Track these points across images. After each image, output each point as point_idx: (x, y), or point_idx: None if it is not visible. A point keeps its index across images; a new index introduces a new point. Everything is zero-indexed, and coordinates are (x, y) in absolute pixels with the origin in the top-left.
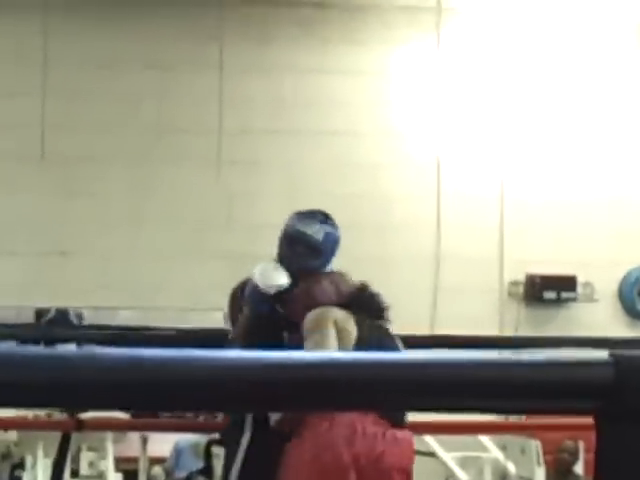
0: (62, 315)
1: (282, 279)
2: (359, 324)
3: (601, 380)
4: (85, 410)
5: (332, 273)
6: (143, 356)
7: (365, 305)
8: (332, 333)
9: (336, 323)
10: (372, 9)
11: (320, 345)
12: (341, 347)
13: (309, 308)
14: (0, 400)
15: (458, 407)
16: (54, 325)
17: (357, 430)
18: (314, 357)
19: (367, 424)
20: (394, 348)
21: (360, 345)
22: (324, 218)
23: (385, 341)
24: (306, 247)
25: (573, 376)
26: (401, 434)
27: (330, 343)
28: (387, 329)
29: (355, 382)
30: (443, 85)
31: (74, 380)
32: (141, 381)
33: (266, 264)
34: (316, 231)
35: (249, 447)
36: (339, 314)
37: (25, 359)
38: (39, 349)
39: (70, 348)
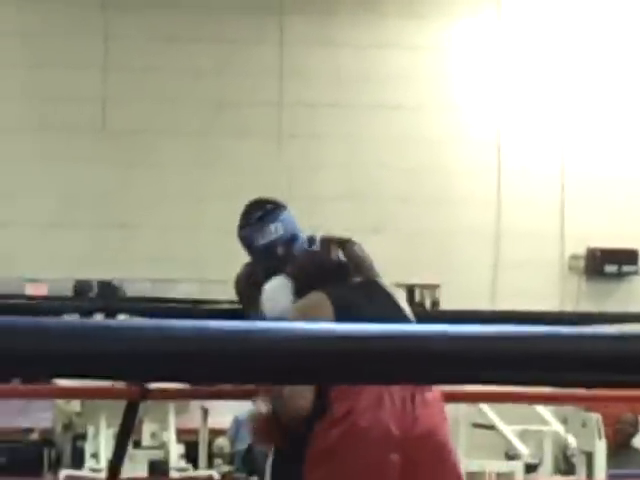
0: (109, 288)
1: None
2: (343, 301)
3: None
4: (150, 381)
5: (307, 254)
6: (207, 327)
7: (342, 280)
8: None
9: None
10: None
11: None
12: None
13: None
14: (68, 372)
15: (529, 381)
16: (102, 298)
17: (384, 398)
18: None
19: (394, 390)
20: (394, 308)
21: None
22: (265, 213)
23: (379, 300)
24: (282, 247)
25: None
26: (430, 395)
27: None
28: (377, 290)
29: (414, 355)
30: (503, 59)
31: (141, 351)
32: (207, 352)
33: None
34: (274, 230)
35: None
36: (311, 306)
37: (89, 330)
38: (101, 321)
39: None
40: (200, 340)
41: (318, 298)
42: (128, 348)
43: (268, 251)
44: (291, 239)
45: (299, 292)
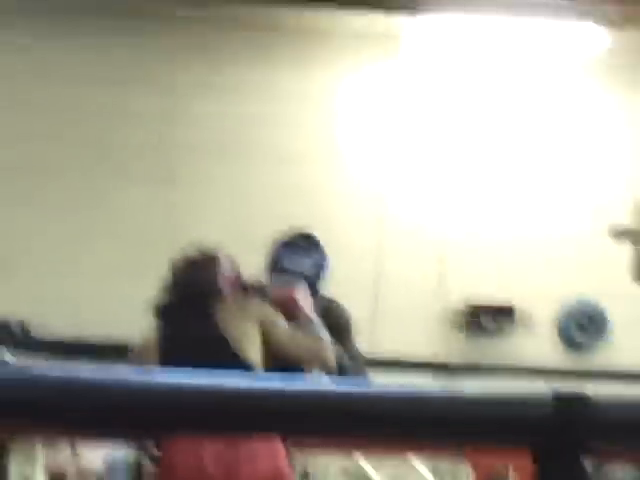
0: (4, 326)
1: None
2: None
3: (541, 417)
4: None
5: None
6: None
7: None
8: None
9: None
10: (320, 35)
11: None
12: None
13: None
14: None
15: (390, 443)
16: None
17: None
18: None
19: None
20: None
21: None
22: (307, 245)
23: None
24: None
25: (512, 412)
26: (263, 445)
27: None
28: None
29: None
30: (391, 110)
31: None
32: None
33: None
34: (306, 265)
35: None
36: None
37: None
38: None
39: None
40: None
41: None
42: None
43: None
44: (315, 281)
45: None
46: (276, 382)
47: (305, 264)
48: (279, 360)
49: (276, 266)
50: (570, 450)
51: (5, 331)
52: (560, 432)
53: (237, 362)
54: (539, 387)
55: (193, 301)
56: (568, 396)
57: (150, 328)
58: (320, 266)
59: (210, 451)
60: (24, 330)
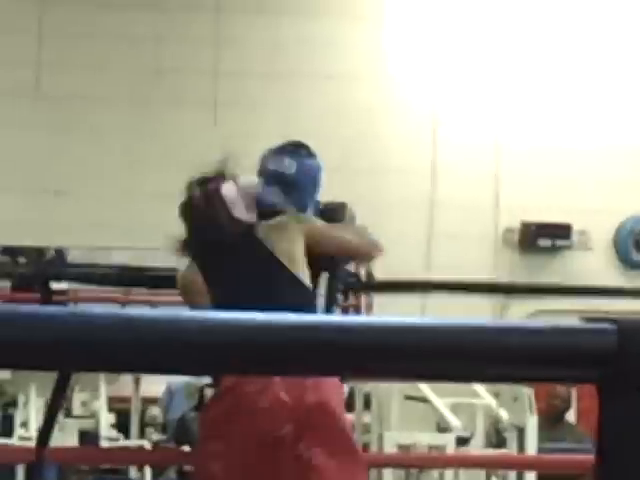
0: (60, 255)
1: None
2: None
3: (603, 348)
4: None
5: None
6: (133, 316)
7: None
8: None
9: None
10: None
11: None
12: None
13: None
14: None
15: (452, 375)
16: (52, 265)
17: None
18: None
19: None
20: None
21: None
22: (294, 149)
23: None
24: (281, 184)
25: (574, 343)
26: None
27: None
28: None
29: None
30: (441, 30)
31: (65, 339)
32: (132, 342)
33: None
34: (287, 165)
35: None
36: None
37: (13, 316)
38: (26, 307)
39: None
40: (125, 329)
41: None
42: (51, 336)
43: (270, 179)
44: (296, 185)
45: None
46: (334, 317)
47: (290, 166)
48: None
49: (262, 170)
50: (634, 382)
51: (59, 260)
52: (625, 363)
53: (295, 282)
54: (602, 317)
55: (220, 241)
56: (630, 325)
57: (188, 266)
58: (308, 169)
59: (280, 381)
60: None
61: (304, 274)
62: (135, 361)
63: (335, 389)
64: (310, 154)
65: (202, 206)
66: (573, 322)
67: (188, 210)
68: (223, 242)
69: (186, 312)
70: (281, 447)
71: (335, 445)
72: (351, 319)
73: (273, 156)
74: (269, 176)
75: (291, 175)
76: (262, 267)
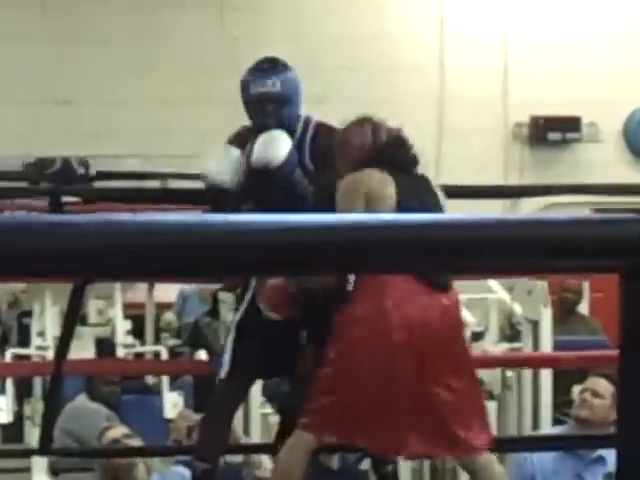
0: (67, 165)
1: (281, 151)
2: (398, 183)
3: (628, 238)
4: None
5: (365, 120)
6: (158, 221)
7: (400, 160)
8: (360, 211)
9: (369, 194)
10: None
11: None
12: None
13: (347, 166)
14: (8, 269)
15: (482, 268)
16: (59, 176)
17: (406, 296)
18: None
19: (414, 289)
20: (436, 205)
21: (401, 207)
22: (270, 66)
23: (426, 198)
24: (272, 104)
25: (599, 233)
26: (447, 300)
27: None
28: (428, 182)
29: (376, 244)
30: None
31: (86, 247)
32: (157, 247)
33: (270, 134)
34: (271, 84)
35: (241, 321)
36: (374, 181)
37: (28, 225)
38: (41, 216)
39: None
40: (148, 234)
41: (381, 176)
42: (71, 243)
43: (259, 103)
44: (285, 101)
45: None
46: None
47: (274, 84)
48: None
49: (246, 97)
50: None
51: (68, 170)
52: None
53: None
54: (624, 210)
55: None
56: None
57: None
58: (289, 85)
59: (412, 312)
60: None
61: None
62: (152, 266)
63: (459, 321)
64: (287, 67)
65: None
66: (599, 215)
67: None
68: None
69: (206, 215)
70: (408, 376)
71: (459, 373)
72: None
73: (253, 79)
74: (255, 100)
75: (277, 92)
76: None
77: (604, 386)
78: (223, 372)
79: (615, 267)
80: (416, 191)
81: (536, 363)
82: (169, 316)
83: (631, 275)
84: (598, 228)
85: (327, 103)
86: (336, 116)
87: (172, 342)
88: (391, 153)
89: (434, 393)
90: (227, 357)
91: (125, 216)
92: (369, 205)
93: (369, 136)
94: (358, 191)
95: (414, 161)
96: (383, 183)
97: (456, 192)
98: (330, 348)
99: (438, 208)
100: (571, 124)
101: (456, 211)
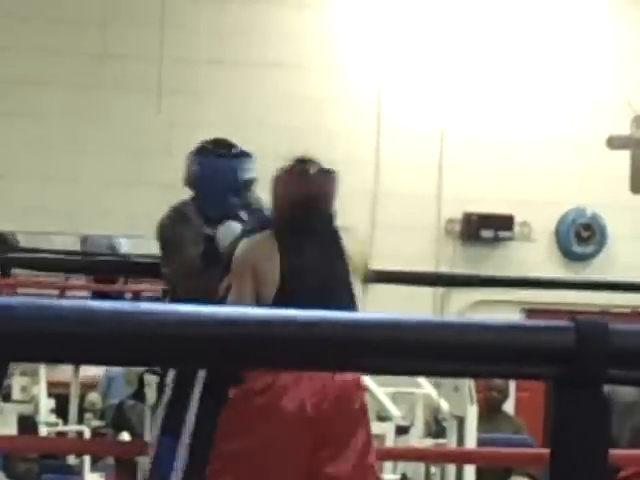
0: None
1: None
2: (302, 252)
3: (561, 346)
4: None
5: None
6: (91, 308)
7: (311, 224)
8: (247, 284)
9: (256, 269)
10: None
11: (235, 300)
12: (263, 293)
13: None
14: None
15: (409, 370)
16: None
17: (304, 376)
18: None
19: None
20: (346, 272)
21: (297, 275)
22: (203, 148)
23: (338, 264)
24: (190, 185)
25: (533, 341)
26: (348, 378)
27: (244, 298)
28: (339, 245)
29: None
30: (389, 21)
31: (11, 330)
32: (89, 334)
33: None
34: (189, 164)
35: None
36: (260, 253)
37: None
38: None
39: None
40: (81, 321)
41: (265, 245)
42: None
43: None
44: (197, 186)
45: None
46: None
47: (192, 165)
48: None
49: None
50: (590, 380)
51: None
52: (582, 362)
53: (352, 301)
54: (559, 319)
55: (326, 228)
56: (588, 325)
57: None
58: (212, 169)
59: (308, 390)
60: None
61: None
62: (73, 353)
63: (360, 388)
64: (220, 154)
65: (322, 183)
66: (533, 321)
67: (298, 181)
68: (316, 229)
69: (143, 304)
70: (301, 453)
71: (351, 451)
72: (307, 314)
73: (190, 155)
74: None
75: (194, 174)
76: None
77: None
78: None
79: (545, 375)
80: (325, 257)
81: (460, 458)
82: (94, 396)
83: (564, 383)
84: (529, 335)
85: (263, 192)
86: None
87: (96, 423)
88: (302, 216)
89: (329, 474)
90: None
91: (52, 301)
92: (256, 278)
93: (291, 187)
94: (243, 266)
95: (327, 222)
96: (268, 255)
97: (385, 277)
98: (225, 423)
99: (347, 275)
100: (504, 222)
101: (390, 306)
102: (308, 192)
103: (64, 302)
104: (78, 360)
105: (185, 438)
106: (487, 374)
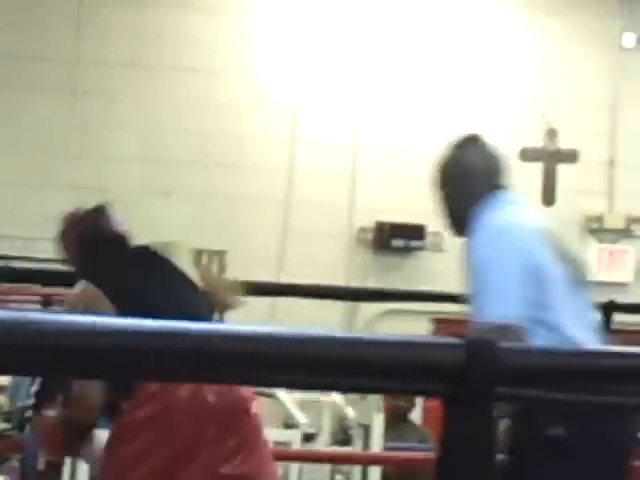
0: None
1: None
2: (141, 282)
3: (451, 364)
4: None
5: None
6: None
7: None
8: None
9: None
10: None
11: None
12: None
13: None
14: None
15: (301, 384)
16: None
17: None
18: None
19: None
20: (192, 286)
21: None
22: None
23: (180, 283)
24: None
25: (424, 358)
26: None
27: None
28: (170, 264)
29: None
30: (304, 29)
31: None
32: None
33: None
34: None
35: None
36: (90, 299)
37: None
38: None
39: None
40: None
41: (93, 292)
42: None
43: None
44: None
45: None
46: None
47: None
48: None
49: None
50: (479, 397)
51: None
52: (471, 380)
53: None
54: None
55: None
56: (477, 343)
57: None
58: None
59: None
60: None
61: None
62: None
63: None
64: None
65: (90, 222)
66: (424, 337)
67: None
68: (127, 256)
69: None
70: (204, 449)
71: (252, 446)
72: (209, 327)
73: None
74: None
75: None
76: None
77: None
78: None
79: (438, 391)
80: (167, 280)
81: (364, 461)
82: (1, 399)
83: (453, 400)
84: (423, 352)
85: (173, 196)
86: (181, 210)
87: (2, 426)
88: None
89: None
90: None
91: None
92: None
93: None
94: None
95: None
96: (99, 299)
97: (291, 291)
98: (108, 461)
99: (194, 289)
100: (415, 232)
101: (296, 316)
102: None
103: None
104: None
105: None
106: (379, 390)
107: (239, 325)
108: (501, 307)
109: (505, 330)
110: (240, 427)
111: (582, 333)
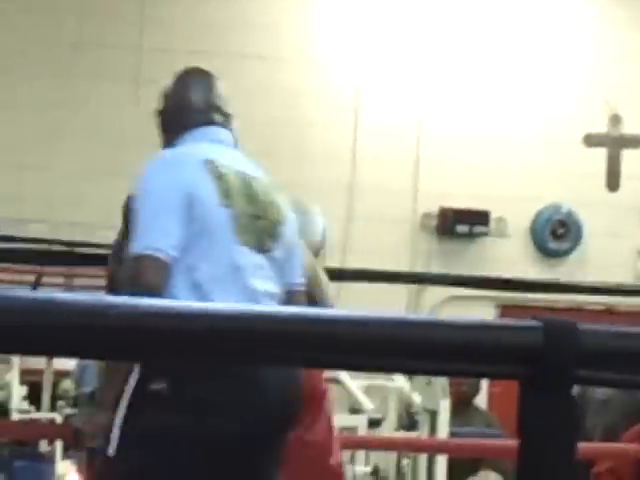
0: None
1: None
2: None
3: (529, 346)
4: None
5: None
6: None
7: None
8: None
9: None
10: None
11: None
12: None
13: None
14: None
15: (375, 367)
16: None
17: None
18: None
19: None
20: None
21: None
22: None
23: None
24: None
25: (501, 340)
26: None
27: None
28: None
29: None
30: (367, 14)
31: None
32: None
33: None
34: None
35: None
36: None
37: None
38: None
39: None
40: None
41: None
42: None
43: None
44: None
45: None
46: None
47: None
48: None
49: None
50: (558, 380)
51: None
52: (550, 362)
53: None
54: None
55: None
56: (556, 325)
57: None
58: None
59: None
60: None
61: None
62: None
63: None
64: None
65: None
66: (501, 320)
67: None
68: None
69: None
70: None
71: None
72: (280, 309)
73: None
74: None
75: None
76: None
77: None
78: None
79: (514, 375)
80: None
81: (431, 449)
82: (67, 384)
83: (531, 383)
84: (501, 334)
85: None
86: None
87: (68, 411)
88: None
89: None
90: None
91: (20, 292)
92: None
93: None
94: None
95: None
96: None
97: (360, 275)
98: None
99: None
100: (479, 218)
101: (365, 299)
102: None
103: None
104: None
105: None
106: (454, 373)
107: (307, 309)
108: (144, 238)
109: (140, 260)
110: (316, 411)
111: (227, 296)
